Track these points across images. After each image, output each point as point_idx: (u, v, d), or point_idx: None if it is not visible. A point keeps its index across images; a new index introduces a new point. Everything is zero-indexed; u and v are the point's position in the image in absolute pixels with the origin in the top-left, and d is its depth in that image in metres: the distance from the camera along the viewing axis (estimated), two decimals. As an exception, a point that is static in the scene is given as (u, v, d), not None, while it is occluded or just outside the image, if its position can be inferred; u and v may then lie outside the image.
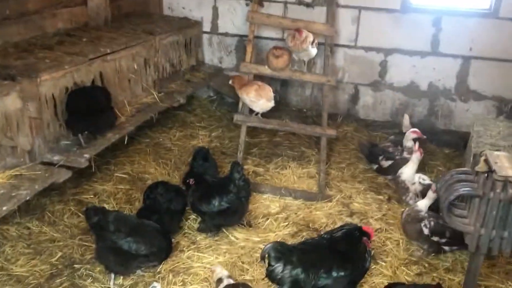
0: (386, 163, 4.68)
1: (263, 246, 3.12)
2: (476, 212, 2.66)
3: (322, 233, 3.25)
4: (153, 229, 3.61)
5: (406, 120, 5.34)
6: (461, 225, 2.70)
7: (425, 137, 4.88)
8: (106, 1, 5.09)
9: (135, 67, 4.71)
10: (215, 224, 3.94)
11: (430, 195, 3.70)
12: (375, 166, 4.93)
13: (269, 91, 4.67)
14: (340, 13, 5.69)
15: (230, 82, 4.86)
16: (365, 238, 3.03)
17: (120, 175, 4.73)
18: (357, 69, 5.91)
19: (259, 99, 4.62)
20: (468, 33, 5.41)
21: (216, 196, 3.82)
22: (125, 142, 4.59)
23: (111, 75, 4.39)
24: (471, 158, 3.90)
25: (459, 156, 5.41)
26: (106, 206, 4.18)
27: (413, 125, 5.38)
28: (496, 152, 2.71)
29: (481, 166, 2.65)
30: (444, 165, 5.27)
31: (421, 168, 4.83)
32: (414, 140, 4.73)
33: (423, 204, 3.70)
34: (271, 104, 4.71)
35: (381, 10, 5.60)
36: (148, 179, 4.70)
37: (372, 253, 3.23)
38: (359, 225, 3.14)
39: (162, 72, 5.34)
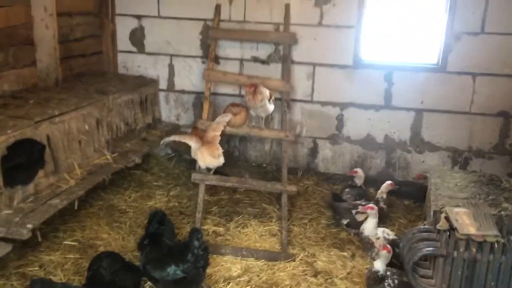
0: (361, 217, 4.60)
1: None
2: (441, 272, 2.58)
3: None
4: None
5: (360, 172, 5.37)
6: (427, 287, 2.61)
7: (397, 187, 5.07)
8: (56, 61, 4.95)
9: (86, 128, 4.53)
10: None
11: (383, 254, 3.63)
12: (345, 221, 4.82)
13: (216, 149, 4.58)
14: (295, 69, 5.78)
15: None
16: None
17: (69, 242, 4.42)
18: (315, 123, 5.95)
19: (204, 156, 4.53)
20: (419, 87, 5.58)
21: (171, 263, 3.59)
22: (75, 207, 4.32)
23: (59, 138, 4.18)
24: (431, 213, 3.88)
25: (419, 207, 5.43)
26: (53, 278, 3.86)
27: (366, 177, 5.48)
28: (455, 209, 2.68)
29: (442, 224, 2.61)
30: (405, 217, 5.26)
31: (383, 221, 4.80)
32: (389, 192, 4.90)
33: (378, 265, 3.61)
34: (219, 162, 4.62)
35: (334, 66, 5.73)
36: (100, 246, 4.41)
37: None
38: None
39: (116, 132, 5.17)
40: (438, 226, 2.61)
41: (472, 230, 2.49)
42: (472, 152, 5.64)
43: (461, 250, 2.47)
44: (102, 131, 4.86)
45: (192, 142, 4.54)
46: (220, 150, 4.63)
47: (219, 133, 4.69)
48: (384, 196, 4.96)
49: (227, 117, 4.80)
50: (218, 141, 4.67)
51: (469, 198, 4.07)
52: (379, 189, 5.09)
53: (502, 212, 2.97)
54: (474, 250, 2.47)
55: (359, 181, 5.35)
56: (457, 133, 5.62)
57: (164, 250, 3.77)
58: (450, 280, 2.53)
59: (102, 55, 6.08)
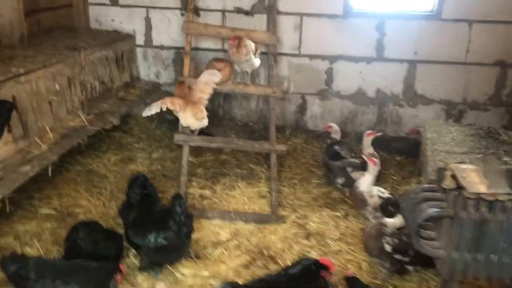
0: (357, 174, 4.37)
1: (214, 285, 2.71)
2: (447, 235, 2.38)
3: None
4: (91, 268, 3.10)
5: (335, 126, 5.02)
6: (431, 250, 2.42)
7: (380, 132, 4.69)
8: (21, 16, 4.50)
9: (57, 87, 4.17)
10: (153, 261, 3.47)
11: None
12: (341, 180, 4.59)
13: (200, 111, 4.22)
14: (281, 20, 5.41)
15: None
16: (324, 271, 2.69)
17: (46, 211, 4.14)
18: (302, 78, 5.64)
19: (186, 117, 4.20)
20: (412, 37, 5.29)
21: (152, 231, 3.35)
22: (49, 174, 4.02)
23: (27, 99, 3.82)
24: (428, 168, 3.68)
25: (411, 163, 5.25)
26: (29, 249, 3.62)
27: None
28: (462, 166, 2.46)
29: (448, 183, 2.38)
30: (398, 174, 5.07)
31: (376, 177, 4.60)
32: (373, 142, 4.54)
33: (391, 222, 3.44)
34: (203, 123, 4.30)
35: (323, 16, 5.38)
36: (79, 214, 4.15)
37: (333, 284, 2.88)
38: (316, 258, 2.79)
39: (91, 92, 4.80)
40: (444, 185, 2.39)
41: (482, 188, 2.28)
42: (467, 104, 5.43)
43: (471, 210, 2.26)
44: (75, 91, 4.51)
45: (176, 108, 4.17)
46: (205, 113, 4.30)
47: (206, 96, 4.34)
48: (370, 151, 4.60)
49: (216, 77, 4.42)
50: (204, 103, 4.34)
51: (468, 153, 3.90)
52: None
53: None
54: (484, 210, 2.27)
55: (337, 136, 4.96)
56: (451, 85, 5.39)
57: (148, 215, 3.53)
58: (458, 242, 2.34)
59: (72, 8, 5.61)
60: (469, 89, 5.38)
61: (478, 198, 2.27)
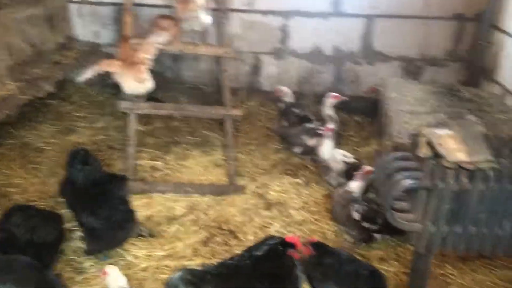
0: (312, 141, 4.13)
1: (170, 277, 2.44)
2: (424, 206, 2.20)
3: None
4: (23, 265, 2.73)
5: (285, 89, 4.80)
6: (407, 224, 2.23)
7: (346, 98, 4.47)
8: None
9: (-24, 52, 3.61)
10: (97, 245, 3.17)
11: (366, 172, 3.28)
12: (299, 149, 4.35)
13: (140, 72, 3.81)
14: (231, -28, 4.96)
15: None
16: (291, 250, 2.47)
17: (-25, 192, 3.69)
18: (256, 36, 5.27)
19: (126, 79, 3.79)
20: (371, -11, 5.01)
21: (84, 211, 3.09)
22: (-25, 151, 3.54)
23: None
24: (393, 130, 3.50)
25: (371, 123, 5.10)
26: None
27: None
28: (438, 131, 2.25)
29: (424, 151, 2.17)
30: (358, 135, 4.93)
31: (335, 141, 4.40)
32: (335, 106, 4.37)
33: (355, 186, 3.26)
34: (146, 86, 3.90)
35: (276, -33, 4.97)
36: (14, 194, 3.72)
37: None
38: (281, 237, 2.56)
39: (20, 56, 4.23)
40: (420, 154, 2.19)
41: (461, 156, 2.10)
42: (425, 60, 5.28)
43: (450, 181, 2.08)
44: (1, 55, 3.93)
45: (113, 70, 3.73)
46: (146, 74, 3.89)
47: (150, 56, 3.91)
48: (331, 112, 4.41)
49: (161, 37, 3.99)
50: (146, 64, 3.90)
51: (432, 113, 3.75)
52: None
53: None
54: (465, 180, 2.09)
55: (289, 99, 4.75)
56: (410, 40, 5.20)
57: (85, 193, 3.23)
58: (435, 215, 2.16)
59: (-9, -40, 4.88)
60: (427, 45, 5.21)
61: (458, 168, 2.09)
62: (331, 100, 4.37)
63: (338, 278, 2.60)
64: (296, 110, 4.71)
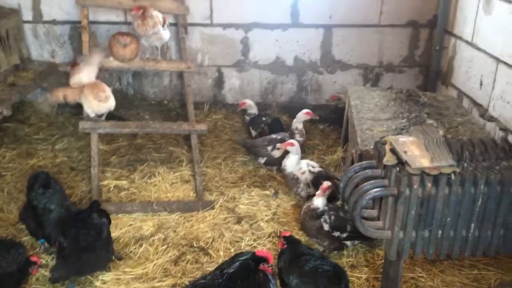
0: (278, 153, 4.15)
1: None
2: (392, 213, 2.23)
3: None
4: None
5: (249, 101, 4.99)
6: (376, 232, 2.26)
7: (317, 117, 4.60)
8: None
9: None
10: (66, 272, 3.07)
11: (296, 149, 3.51)
12: (262, 160, 4.37)
13: (101, 91, 3.80)
14: (189, -14, 4.95)
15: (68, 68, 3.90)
16: (263, 264, 2.46)
17: None
18: (217, 50, 5.27)
19: (90, 100, 3.74)
20: (327, 0, 5.09)
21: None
22: None
23: None
24: (357, 138, 3.56)
25: (334, 130, 5.18)
26: None
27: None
28: (401, 138, 2.30)
29: (388, 158, 2.22)
30: (323, 143, 4.99)
31: (301, 150, 4.44)
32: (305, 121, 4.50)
33: (319, 201, 3.28)
34: (108, 105, 3.86)
35: (233, -19, 5.00)
36: (-29, 224, 3.56)
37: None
38: (252, 252, 2.55)
39: (-28, 79, 4.08)
40: (384, 161, 2.23)
41: (425, 162, 2.14)
42: (383, 67, 5.41)
43: (415, 187, 2.12)
44: (-50, 80, 3.78)
45: (72, 93, 3.67)
46: (108, 91, 3.83)
47: (94, 73, 3.86)
48: (300, 126, 4.48)
49: (96, 56, 3.97)
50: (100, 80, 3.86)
51: (393, 118, 3.84)
52: (293, 117, 4.65)
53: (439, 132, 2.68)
54: (429, 185, 2.13)
55: (254, 111, 4.93)
56: (367, 48, 5.32)
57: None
58: (403, 221, 2.20)
59: None
60: (384, 52, 5.35)
61: (422, 173, 2.14)
62: (304, 115, 4.46)
63: (303, 270, 2.69)
64: (264, 119, 4.78)
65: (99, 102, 3.78)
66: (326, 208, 3.30)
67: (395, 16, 5.19)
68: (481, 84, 4.16)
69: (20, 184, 4.06)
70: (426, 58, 5.31)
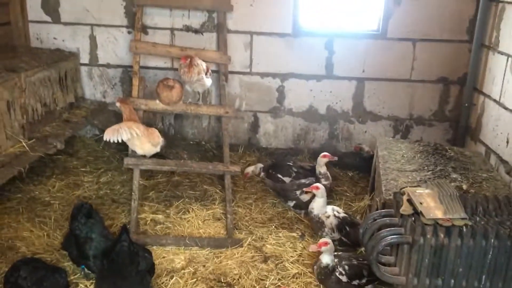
0: (306, 197, 4.35)
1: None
2: (407, 260, 2.39)
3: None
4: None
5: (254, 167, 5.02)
6: (392, 278, 2.42)
7: (336, 158, 4.69)
8: (-47, 34, 4.19)
9: (-5, 112, 3.90)
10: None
11: (325, 249, 3.43)
12: (291, 203, 4.58)
13: (156, 137, 4.23)
14: (231, 38, 5.36)
15: (118, 104, 4.26)
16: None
17: (-16, 245, 3.85)
18: (254, 96, 5.61)
19: (143, 143, 4.13)
20: (360, 55, 5.40)
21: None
22: (-14, 207, 3.73)
23: (-39, 127, 3.54)
24: (382, 187, 3.72)
25: (363, 178, 5.34)
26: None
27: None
28: (418, 190, 2.48)
29: (405, 208, 2.40)
30: (351, 190, 5.15)
31: (329, 195, 4.63)
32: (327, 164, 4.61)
33: (326, 259, 3.43)
34: (157, 149, 4.29)
35: (273, 34, 5.38)
36: (20, 247, 3.88)
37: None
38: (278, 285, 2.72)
39: (33, 115, 4.52)
40: (401, 211, 2.41)
41: (438, 214, 2.31)
42: (413, 120, 5.60)
43: (428, 236, 2.28)
44: (15, 115, 4.22)
45: (135, 134, 4.07)
46: (161, 138, 4.24)
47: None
48: (323, 170, 4.62)
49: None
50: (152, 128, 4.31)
51: (418, 170, 3.98)
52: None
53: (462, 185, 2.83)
54: (442, 236, 2.29)
55: (257, 171, 4.96)
56: (398, 101, 5.54)
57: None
58: (417, 268, 2.35)
59: (11, 26, 5.29)
60: (414, 105, 5.55)
61: (435, 224, 2.30)
62: (322, 159, 4.62)
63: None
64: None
65: (152, 147, 4.17)
66: (336, 260, 3.41)
67: (426, 73, 5.41)
68: (507, 142, 4.28)
69: (66, 213, 4.39)
70: (456, 113, 5.47)
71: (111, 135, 3.91)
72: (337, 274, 3.33)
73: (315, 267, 3.54)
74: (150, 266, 3.50)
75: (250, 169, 4.98)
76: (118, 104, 4.29)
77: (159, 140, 4.20)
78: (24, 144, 4.21)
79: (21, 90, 4.30)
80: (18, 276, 3.08)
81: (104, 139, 3.96)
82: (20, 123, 4.27)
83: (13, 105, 4.17)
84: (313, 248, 3.48)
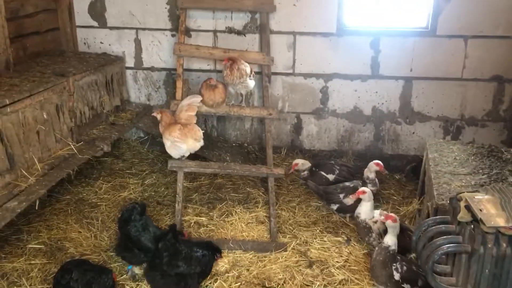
0: (350, 200, 4.23)
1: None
2: (465, 271, 2.24)
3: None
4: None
5: (300, 161, 4.88)
6: None
7: (387, 172, 4.63)
8: (6, 40, 4.33)
9: (45, 116, 4.00)
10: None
11: (389, 224, 3.37)
12: (335, 206, 4.47)
13: (197, 130, 4.24)
14: (274, 39, 5.29)
15: (155, 113, 4.32)
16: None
17: (35, 246, 3.96)
18: (297, 97, 5.52)
19: (185, 139, 4.15)
20: (408, 54, 5.20)
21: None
22: (36, 207, 3.82)
23: (14, 130, 3.64)
24: (434, 192, 3.55)
25: (411, 181, 5.15)
26: (17, 289, 3.43)
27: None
28: (477, 196, 2.33)
29: (463, 215, 2.25)
30: (398, 193, 4.98)
31: (375, 199, 4.48)
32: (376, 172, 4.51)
33: (389, 239, 3.32)
34: (200, 144, 4.27)
35: (316, 34, 5.27)
36: (69, 248, 3.97)
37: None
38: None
39: (81, 118, 4.63)
40: (459, 218, 2.26)
41: (500, 221, 2.15)
42: (465, 120, 5.35)
43: (489, 245, 2.13)
44: (64, 119, 4.33)
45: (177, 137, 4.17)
46: (201, 132, 4.24)
47: (194, 112, 4.27)
48: (371, 176, 4.52)
49: (198, 97, 4.38)
50: (195, 121, 4.27)
51: (472, 174, 3.78)
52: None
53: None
54: (504, 245, 2.14)
55: (304, 167, 4.82)
56: (448, 101, 5.30)
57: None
58: (476, 279, 2.20)
59: (59, 32, 5.44)
60: (466, 105, 5.30)
61: (497, 232, 2.15)
62: (374, 166, 4.51)
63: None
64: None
65: (195, 142, 4.18)
66: (399, 257, 3.29)
67: (478, 71, 5.16)
68: None
69: (113, 214, 4.48)
70: (511, 113, 5.18)
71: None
72: (393, 268, 3.22)
73: (376, 249, 3.43)
74: (205, 266, 3.52)
75: (300, 161, 4.85)
76: (155, 114, 4.33)
77: (200, 133, 4.21)
78: (73, 147, 4.30)
79: (70, 94, 4.41)
80: (70, 279, 3.14)
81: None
82: (68, 126, 4.38)
83: (62, 108, 4.27)
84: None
